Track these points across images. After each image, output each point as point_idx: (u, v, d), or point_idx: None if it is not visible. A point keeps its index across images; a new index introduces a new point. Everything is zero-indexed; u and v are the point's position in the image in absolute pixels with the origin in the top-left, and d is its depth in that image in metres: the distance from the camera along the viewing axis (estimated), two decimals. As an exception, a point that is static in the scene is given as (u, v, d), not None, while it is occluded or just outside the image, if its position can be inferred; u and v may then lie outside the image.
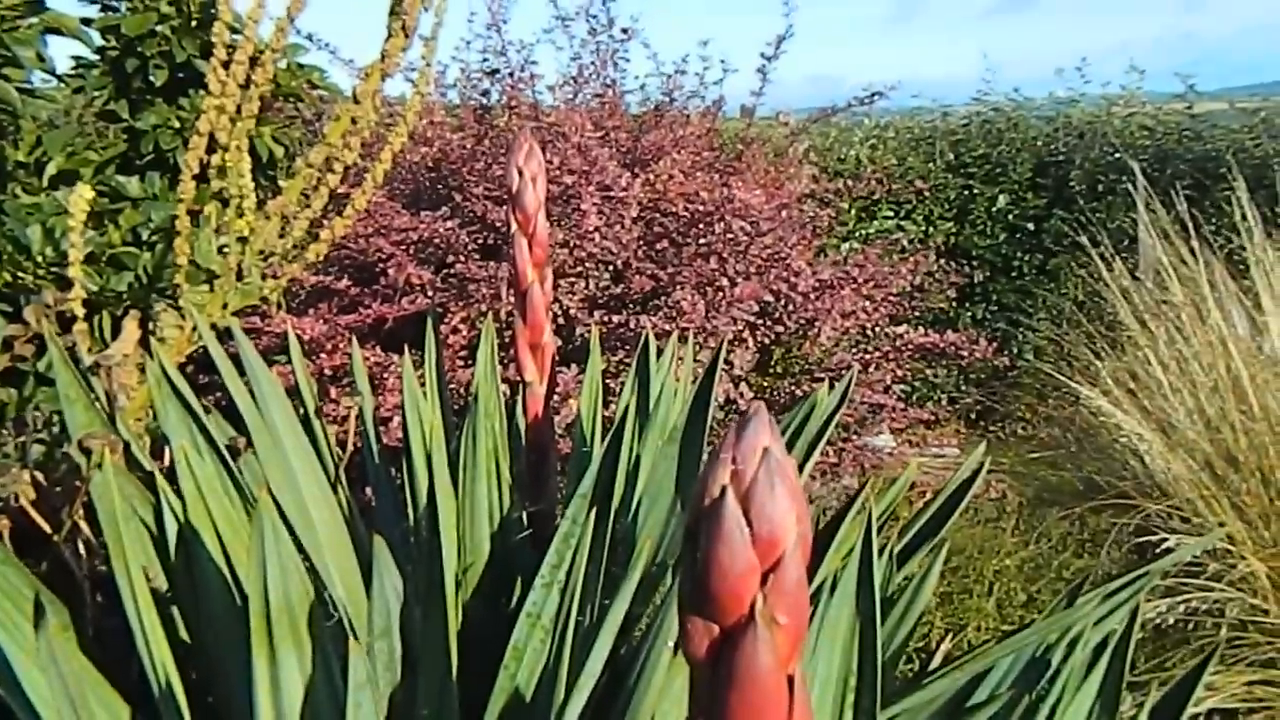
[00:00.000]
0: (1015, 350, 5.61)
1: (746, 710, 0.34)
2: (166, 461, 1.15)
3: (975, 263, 6.24)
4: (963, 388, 5.89)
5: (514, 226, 1.06)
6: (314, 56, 3.95)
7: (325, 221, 1.60)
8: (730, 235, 2.07)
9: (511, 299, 1.77)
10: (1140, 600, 0.89)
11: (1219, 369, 2.28)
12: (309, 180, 1.55)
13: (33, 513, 1.08)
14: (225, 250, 1.56)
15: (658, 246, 2.15)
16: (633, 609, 0.83)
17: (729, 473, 0.33)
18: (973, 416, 5.77)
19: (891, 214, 6.36)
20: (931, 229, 6.31)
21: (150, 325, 1.52)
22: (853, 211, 6.21)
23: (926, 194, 6.40)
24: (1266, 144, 5.68)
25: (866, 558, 0.74)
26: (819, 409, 1.24)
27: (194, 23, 3.67)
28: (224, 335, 1.60)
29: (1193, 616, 1.92)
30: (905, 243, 6.51)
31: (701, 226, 2.11)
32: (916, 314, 5.86)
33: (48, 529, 0.98)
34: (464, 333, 2.02)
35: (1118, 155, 6.42)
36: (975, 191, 6.31)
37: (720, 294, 2.03)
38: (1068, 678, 0.90)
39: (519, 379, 1.10)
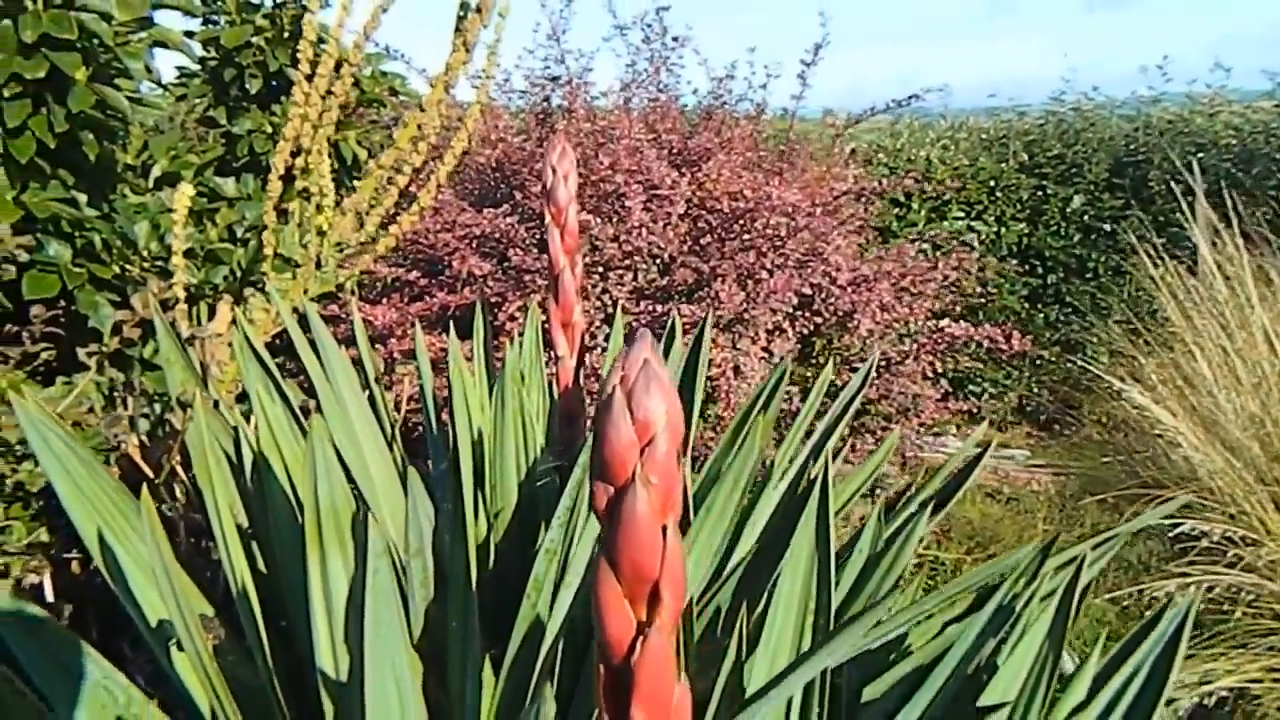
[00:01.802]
0: (1090, 353, 5.54)
1: (630, 547, 0.48)
2: (250, 426, 1.33)
3: (1048, 264, 6.18)
4: (1034, 390, 5.84)
5: (548, 218, 1.21)
6: (394, 65, 4.18)
7: (395, 218, 1.78)
8: (769, 231, 2.19)
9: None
10: (1085, 553, 0.99)
11: (1263, 367, 2.31)
12: (380, 180, 1.73)
13: (139, 461, 1.27)
14: (306, 243, 1.75)
15: (702, 241, 2.28)
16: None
17: (619, 377, 0.48)
18: (1043, 419, 5.72)
19: (962, 214, 6.34)
20: (1003, 229, 6.27)
21: (241, 309, 1.71)
22: (922, 212, 6.21)
23: (998, 194, 6.37)
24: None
25: (824, 499, 0.86)
26: (844, 394, 1.36)
27: (286, 34, 3.93)
28: (305, 322, 1.79)
29: (1222, 601, 1.97)
30: (975, 243, 6.49)
31: (743, 222, 2.23)
32: (983, 313, 5.85)
33: (150, 474, 1.16)
34: (520, 320, 2.18)
35: (1200, 154, 6.28)
36: (1049, 192, 6.24)
37: (759, 286, 2.16)
38: (1027, 622, 1.01)
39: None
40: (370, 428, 1.16)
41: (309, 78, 1.65)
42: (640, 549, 0.48)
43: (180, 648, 0.77)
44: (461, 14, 1.61)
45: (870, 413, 2.46)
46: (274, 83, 3.80)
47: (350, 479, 1.10)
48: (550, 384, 1.43)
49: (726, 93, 2.76)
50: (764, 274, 2.17)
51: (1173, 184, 6.11)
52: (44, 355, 2.08)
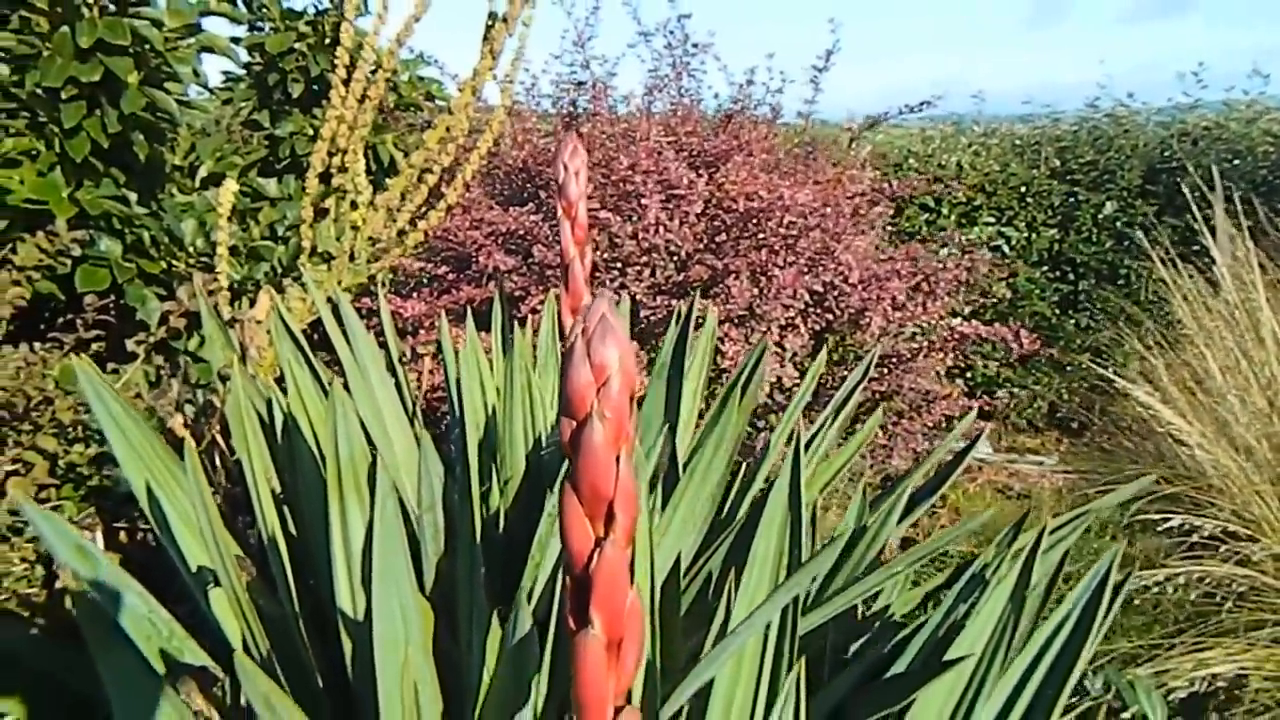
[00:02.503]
0: (1121, 360, 5.53)
1: (589, 472, 0.57)
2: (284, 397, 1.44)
3: (1080, 270, 6.16)
4: (1063, 396, 5.83)
5: (560, 211, 1.30)
6: (430, 71, 4.32)
7: (424, 214, 1.89)
8: (782, 230, 2.28)
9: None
10: (1046, 524, 1.07)
11: (1272, 368, 2.35)
12: (410, 179, 1.83)
13: (182, 432, 1.38)
14: (341, 237, 1.86)
15: (717, 239, 2.37)
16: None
17: (581, 329, 0.57)
18: (1074, 426, 5.72)
19: (993, 220, 6.34)
20: (1034, 235, 6.27)
21: (280, 299, 1.82)
22: (952, 217, 6.23)
23: (1029, 200, 6.37)
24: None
25: (795, 468, 0.95)
26: (845, 387, 1.45)
27: (327, 40, 4.07)
28: (338, 311, 1.90)
29: (1219, 595, 2.02)
30: (1006, 249, 6.49)
31: (757, 221, 2.32)
32: (1012, 318, 5.85)
33: (193, 441, 1.27)
34: (533, 318, 2.28)
35: (1235, 161, 6.24)
36: (1081, 198, 6.23)
37: (771, 282, 2.24)
38: (994, 587, 1.08)
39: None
40: (393, 403, 1.27)
41: (345, 83, 1.76)
42: (597, 473, 0.57)
43: (218, 582, 0.87)
44: (489, 23, 1.71)
45: (884, 409, 2.53)
46: (315, 87, 3.95)
47: (373, 447, 1.20)
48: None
49: (746, 97, 2.85)
50: (776, 271, 2.25)
51: (1206, 191, 6.08)
52: (94, 346, 2.21)
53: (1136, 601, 2.23)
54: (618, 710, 0.61)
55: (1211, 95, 6.79)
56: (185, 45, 3.18)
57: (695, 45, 2.85)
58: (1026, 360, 5.74)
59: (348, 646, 0.94)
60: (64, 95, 2.61)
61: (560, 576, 1.05)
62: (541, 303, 2.29)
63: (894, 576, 1.05)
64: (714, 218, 2.40)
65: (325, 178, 1.92)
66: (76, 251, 2.41)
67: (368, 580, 0.91)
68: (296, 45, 3.98)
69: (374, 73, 1.87)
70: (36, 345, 2.12)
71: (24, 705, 0.96)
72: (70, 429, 2.11)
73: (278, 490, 1.16)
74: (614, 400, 0.56)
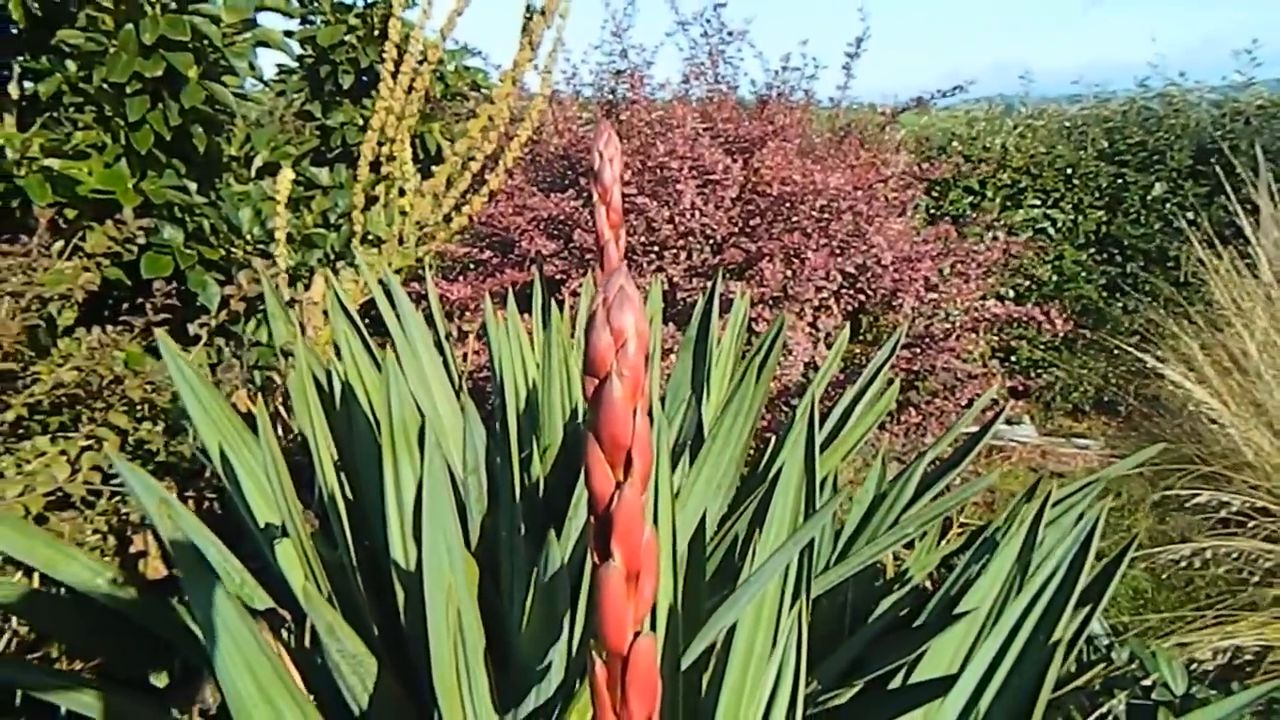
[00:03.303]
0: (1168, 343, 5.48)
1: (609, 421, 0.65)
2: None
3: (1127, 252, 6.09)
4: (1109, 380, 5.79)
5: (595, 196, 1.38)
6: (475, 61, 4.42)
7: (468, 200, 1.98)
8: (815, 213, 2.33)
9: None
10: (1050, 491, 1.13)
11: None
12: (455, 166, 1.93)
13: (247, 404, 1.49)
14: (391, 223, 1.96)
15: (752, 223, 2.43)
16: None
17: (603, 299, 0.65)
18: (1121, 410, 5.67)
19: (1039, 202, 6.30)
20: (1081, 218, 6.21)
21: (335, 280, 1.92)
22: (997, 200, 6.20)
23: (1075, 181, 6.30)
24: None
25: (810, 433, 1.02)
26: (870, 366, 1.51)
27: (376, 33, 4.18)
28: (388, 293, 2.00)
29: (1246, 570, 2.05)
30: (1051, 231, 6.44)
31: (790, 204, 2.38)
32: (1058, 302, 5.82)
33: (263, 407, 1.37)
34: (571, 299, 2.37)
35: (1289, 140, 6.12)
36: (1129, 179, 6.15)
37: (804, 265, 2.30)
38: (1002, 548, 1.14)
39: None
40: (440, 377, 1.36)
41: (394, 75, 1.86)
42: (616, 425, 0.64)
43: (286, 534, 0.96)
44: (527, 16, 1.79)
45: (917, 389, 2.58)
46: (364, 78, 4.06)
47: (421, 415, 1.29)
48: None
49: (781, 83, 2.90)
50: (809, 253, 2.31)
51: (1257, 171, 5.97)
52: (157, 330, 2.33)
53: (1166, 576, 2.26)
54: (636, 635, 0.69)
55: (1266, 73, 6.65)
56: (241, 40, 3.30)
57: (731, 33, 2.91)
58: (1071, 344, 5.72)
59: (400, 595, 1.03)
60: (129, 90, 2.74)
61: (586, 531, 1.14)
62: (581, 285, 2.37)
63: (906, 538, 1.11)
64: (748, 202, 2.46)
65: (375, 166, 2.01)
66: (142, 240, 2.54)
67: (419, 533, 1.00)
68: (346, 38, 4.09)
69: (420, 64, 1.96)
70: (108, 328, 2.25)
71: (107, 642, 1.07)
72: (140, 407, 2.24)
73: (335, 456, 1.26)
74: (630, 360, 0.64)
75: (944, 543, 1.65)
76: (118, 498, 2.12)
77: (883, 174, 2.65)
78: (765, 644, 1.02)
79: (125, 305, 2.63)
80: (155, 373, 2.32)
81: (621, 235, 1.42)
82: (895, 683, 1.14)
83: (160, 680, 1.12)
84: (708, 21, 2.94)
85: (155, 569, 1.83)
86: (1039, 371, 5.65)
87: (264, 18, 3.34)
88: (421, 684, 1.02)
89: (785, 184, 2.37)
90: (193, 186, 2.93)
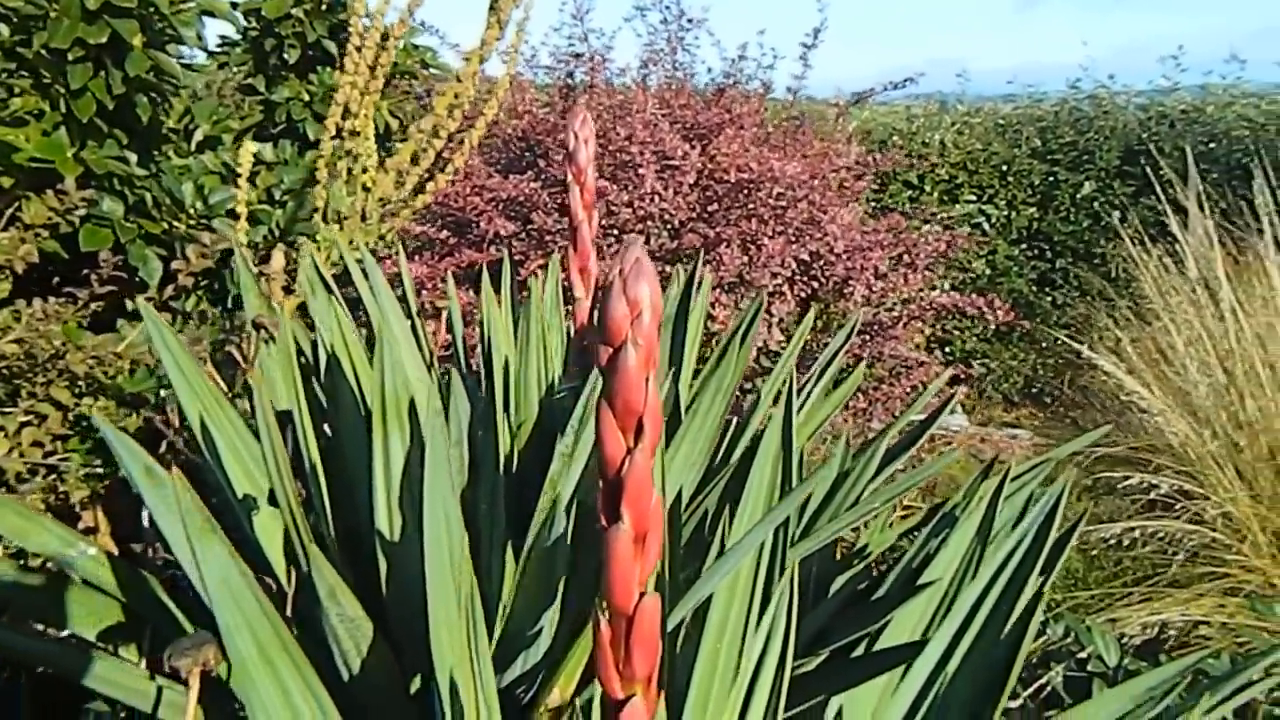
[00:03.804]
0: (1097, 335, 5.68)
1: (624, 390, 0.68)
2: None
3: (1057, 248, 6.29)
4: (1039, 371, 5.98)
5: (569, 177, 1.40)
6: (425, 40, 4.37)
7: (431, 178, 1.97)
8: (771, 200, 2.38)
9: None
10: (1010, 466, 1.19)
11: (1230, 341, 2.48)
12: (419, 144, 1.92)
13: (215, 375, 1.47)
14: (353, 199, 1.95)
15: (710, 209, 2.48)
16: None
17: (618, 270, 0.67)
18: (1048, 401, 5.86)
19: (974, 198, 6.46)
20: (1014, 214, 6.39)
21: (295, 254, 1.91)
22: (935, 195, 6.35)
23: (1010, 179, 6.48)
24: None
25: (788, 408, 1.06)
26: (829, 350, 1.56)
27: (324, 6, 4.11)
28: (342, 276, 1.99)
29: (1173, 549, 2.17)
30: (986, 226, 6.62)
31: (748, 191, 2.42)
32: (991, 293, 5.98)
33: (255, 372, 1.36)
34: (540, 276, 2.37)
35: (1211, 144, 6.37)
36: (1060, 178, 6.34)
37: (761, 251, 2.35)
38: (963, 522, 1.20)
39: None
40: (413, 350, 1.36)
41: (359, 49, 1.84)
42: (631, 391, 0.67)
43: (274, 502, 0.97)
44: (496, -6, 1.79)
45: (866, 375, 2.65)
46: (311, 53, 3.98)
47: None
48: (566, 327, 1.63)
49: (738, 72, 2.95)
50: (765, 240, 2.36)
51: (1181, 173, 6.21)
52: (95, 306, 2.27)
53: (1096, 555, 2.37)
54: (641, 595, 0.72)
55: (1190, 79, 6.91)
56: (187, 8, 3.21)
57: (690, 20, 2.95)
58: (1004, 336, 5.90)
59: (384, 565, 1.04)
60: (71, 57, 2.65)
61: (574, 505, 1.17)
62: (541, 266, 2.39)
63: (874, 512, 1.16)
64: (706, 188, 2.50)
65: (336, 139, 1.99)
66: (81, 211, 2.47)
67: (406, 504, 1.02)
68: (294, 11, 4.00)
69: (384, 40, 1.95)
70: (50, 300, 2.19)
71: (78, 613, 1.06)
72: (83, 382, 2.19)
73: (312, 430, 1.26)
74: (645, 330, 0.66)
75: (890, 524, 1.72)
76: (54, 475, 2.06)
77: (835, 164, 2.72)
78: (740, 615, 1.05)
79: (56, 280, 2.56)
80: (99, 347, 2.27)
81: (594, 215, 1.44)
82: (859, 652, 1.19)
83: (130, 654, 1.11)
84: (667, 8, 2.98)
85: (106, 545, 1.80)
86: (972, 362, 5.82)
87: (205, -14, 3.25)
88: (402, 651, 1.04)
89: (742, 170, 2.42)
90: (133, 158, 2.85)
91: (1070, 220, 6.31)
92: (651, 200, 2.38)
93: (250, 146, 1.83)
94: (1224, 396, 2.48)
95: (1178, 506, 2.23)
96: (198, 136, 3.84)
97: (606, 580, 0.72)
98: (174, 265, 2.44)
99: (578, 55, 2.99)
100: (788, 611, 0.85)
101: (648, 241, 2.46)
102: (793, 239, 2.41)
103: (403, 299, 1.47)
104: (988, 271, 6.32)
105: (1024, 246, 6.43)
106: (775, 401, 1.54)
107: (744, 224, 2.39)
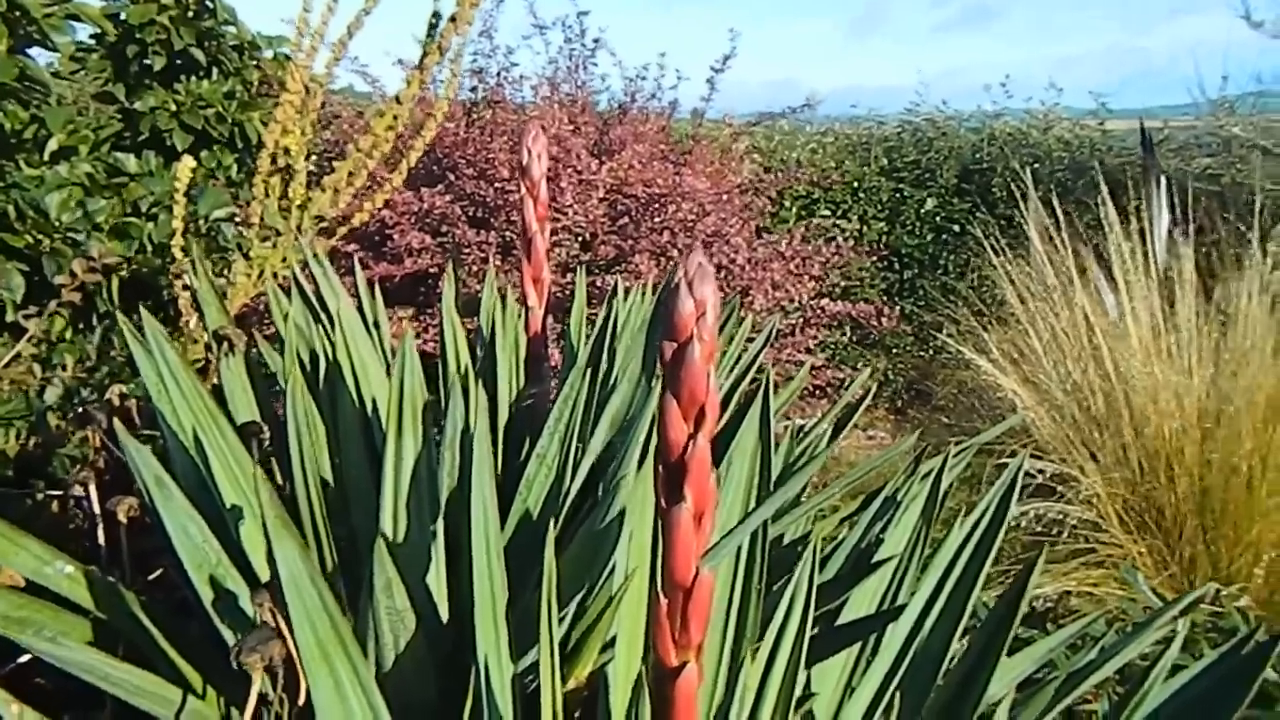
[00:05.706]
0: (939, 342, 6.09)
1: (689, 378, 0.76)
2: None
3: (905, 260, 6.71)
4: (890, 377, 6.34)
5: (523, 190, 1.46)
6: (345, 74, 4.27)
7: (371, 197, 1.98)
8: (680, 215, 2.50)
9: (498, 260, 2.19)
10: (950, 449, 1.33)
11: (1083, 341, 2.77)
12: (357, 163, 1.92)
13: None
14: (287, 215, 1.93)
15: (620, 222, 2.57)
16: (612, 445, 1.25)
17: (683, 272, 0.75)
18: (899, 404, 6.22)
19: (829, 212, 6.80)
20: (865, 228, 6.77)
21: (227, 273, 1.87)
22: (793, 209, 6.66)
23: (861, 195, 6.87)
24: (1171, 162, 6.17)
25: (765, 402, 1.15)
26: (745, 356, 1.68)
27: (190, 13, 3.96)
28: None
29: (1050, 527, 2.42)
30: (841, 239, 6.99)
31: (657, 206, 2.53)
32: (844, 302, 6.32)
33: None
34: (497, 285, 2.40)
35: (1035, 165, 6.94)
36: (906, 194, 6.76)
37: (672, 262, 2.46)
38: (906, 506, 1.33)
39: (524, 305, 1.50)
40: (375, 358, 1.39)
41: (301, 67, 1.83)
42: (695, 382, 0.75)
43: (295, 507, 0.99)
44: (434, 22, 1.82)
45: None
46: (178, 60, 3.83)
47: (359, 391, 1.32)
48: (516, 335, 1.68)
49: (638, 91, 3.06)
50: (676, 252, 2.47)
51: (1013, 189, 6.75)
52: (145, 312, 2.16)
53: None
54: (697, 570, 0.80)
55: (1015, 104, 7.50)
56: (53, 11, 3.06)
57: (597, 40, 3.04)
58: (863, 341, 6.25)
59: (392, 570, 1.07)
60: (-71, 61, 2.50)
61: (542, 508, 1.24)
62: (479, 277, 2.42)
63: (827, 500, 1.28)
64: (614, 202, 2.59)
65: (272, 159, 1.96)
66: (-63, 224, 2.33)
67: (413, 506, 1.06)
68: (158, 17, 3.84)
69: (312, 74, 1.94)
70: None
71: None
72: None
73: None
74: (709, 327, 0.74)
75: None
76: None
77: (733, 181, 2.86)
78: (721, 601, 1.14)
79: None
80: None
81: (547, 227, 1.51)
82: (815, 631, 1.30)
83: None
84: (569, 27, 3.05)
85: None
86: (834, 365, 6.13)
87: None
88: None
89: (649, 186, 2.52)
90: (-12, 168, 2.69)
91: (915, 234, 6.72)
92: (564, 214, 2.45)
93: (189, 161, 1.79)
94: (1078, 390, 2.77)
95: (1060, 489, 2.48)
96: (52, 146, 3.64)
97: (668, 555, 0.79)
98: (58, 280, 2.33)
99: (479, 71, 3.03)
100: (806, 595, 0.94)
101: (560, 253, 2.53)
102: (700, 250, 2.51)
103: (359, 309, 1.48)
104: (843, 283, 6.68)
105: (874, 259, 6.82)
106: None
107: (654, 236, 2.50)
